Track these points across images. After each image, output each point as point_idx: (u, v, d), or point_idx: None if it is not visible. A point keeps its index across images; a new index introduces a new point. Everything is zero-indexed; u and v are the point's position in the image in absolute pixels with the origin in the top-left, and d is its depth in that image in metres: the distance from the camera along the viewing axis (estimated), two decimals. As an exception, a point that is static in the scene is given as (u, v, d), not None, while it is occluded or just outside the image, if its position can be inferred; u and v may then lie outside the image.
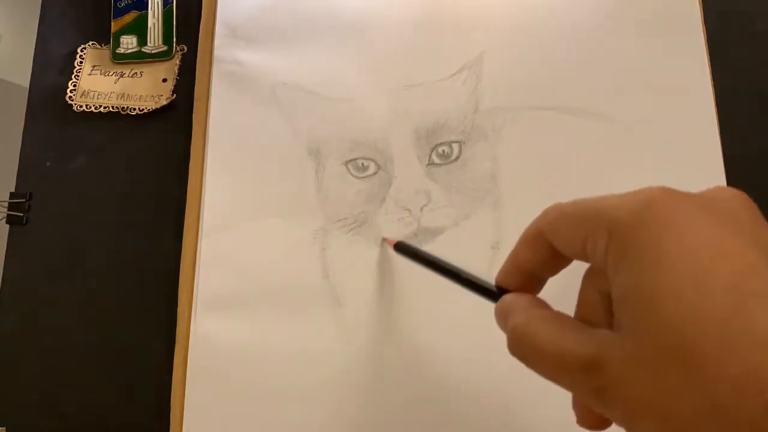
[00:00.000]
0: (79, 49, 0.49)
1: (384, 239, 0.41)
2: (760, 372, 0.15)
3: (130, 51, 0.48)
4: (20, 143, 0.47)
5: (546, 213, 0.24)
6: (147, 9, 0.48)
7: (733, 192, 0.20)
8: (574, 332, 0.21)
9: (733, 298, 0.16)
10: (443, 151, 0.42)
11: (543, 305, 0.24)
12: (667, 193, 0.19)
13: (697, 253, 0.17)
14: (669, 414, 0.17)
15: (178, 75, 0.47)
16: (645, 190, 0.20)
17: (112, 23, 0.49)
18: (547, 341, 0.21)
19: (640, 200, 0.19)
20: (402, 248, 0.38)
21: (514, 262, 0.26)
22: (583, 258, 0.22)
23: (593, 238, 0.21)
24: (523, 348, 0.22)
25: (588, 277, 0.24)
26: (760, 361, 0.15)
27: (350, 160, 0.43)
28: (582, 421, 0.24)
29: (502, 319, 0.24)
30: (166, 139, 0.46)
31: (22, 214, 0.45)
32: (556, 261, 0.25)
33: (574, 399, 0.24)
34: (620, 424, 0.19)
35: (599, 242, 0.20)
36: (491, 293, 0.27)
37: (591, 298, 0.24)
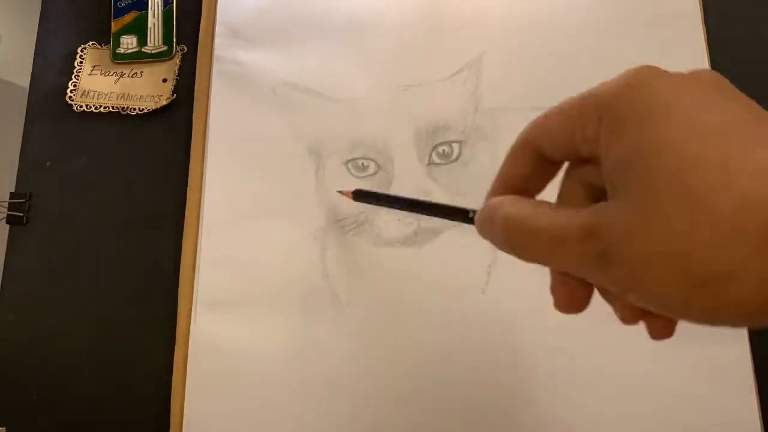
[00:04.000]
0: (79, 49, 0.49)
1: (339, 191, 0.40)
2: (760, 200, 0.17)
3: (130, 51, 0.48)
4: (20, 143, 0.47)
5: (531, 122, 0.25)
6: (147, 9, 0.48)
7: (711, 71, 0.21)
8: (567, 211, 0.21)
9: (728, 141, 0.18)
10: (443, 150, 0.42)
11: (529, 199, 0.24)
12: (649, 67, 0.20)
13: (687, 110, 0.18)
14: (675, 256, 0.18)
15: (178, 75, 0.47)
16: (627, 70, 0.20)
17: (112, 23, 0.49)
18: (543, 222, 0.21)
19: (624, 77, 0.20)
20: (361, 195, 0.36)
21: (501, 180, 0.26)
22: (572, 154, 0.23)
23: (581, 127, 0.21)
24: (517, 235, 0.22)
25: (568, 173, 0.25)
26: (760, 190, 0.17)
27: (350, 160, 0.43)
28: (561, 302, 0.24)
29: (489, 220, 0.24)
30: (166, 139, 0.46)
31: (22, 214, 0.45)
32: (544, 171, 0.25)
33: (553, 283, 0.24)
34: (622, 286, 0.20)
35: (588, 128, 0.21)
36: (466, 214, 0.26)
37: (572, 190, 0.24)
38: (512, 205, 0.23)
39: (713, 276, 0.17)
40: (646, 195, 0.18)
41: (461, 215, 0.26)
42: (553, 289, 0.24)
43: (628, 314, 0.23)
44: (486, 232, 0.24)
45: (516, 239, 0.22)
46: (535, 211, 0.22)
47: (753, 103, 0.19)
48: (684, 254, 0.18)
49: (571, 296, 0.24)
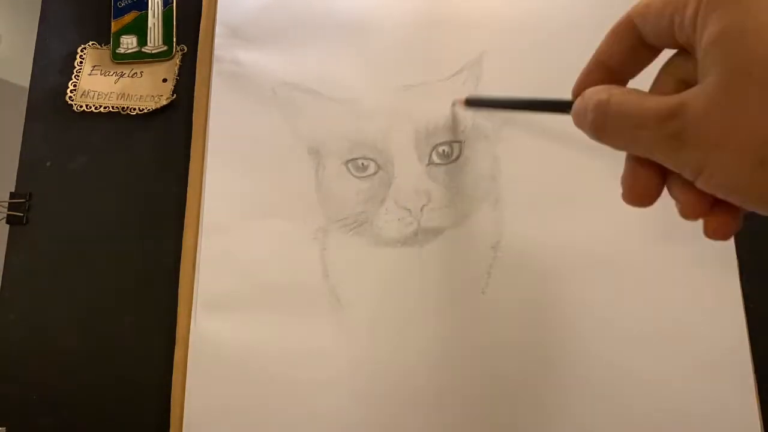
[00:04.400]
0: (79, 49, 0.49)
1: (455, 100, 0.42)
2: None
3: (130, 51, 0.48)
4: (20, 143, 0.47)
5: (635, 4, 0.25)
6: (147, 9, 0.48)
7: None
8: (655, 97, 0.22)
9: None
10: (443, 150, 0.42)
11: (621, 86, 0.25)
12: None
13: None
14: (750, 136, 0.19)
15: (178, 75, 0.47)
16: None
17: (112, 23, 0.49)
18: (631, 104, 0.22)
19: None
20: (472, 102, 0.40)
21: (597, 59, 0.27)
22: (669, 39, 0.23)
23: (682, 10, 0.22)
24: (607, 117, 0.23)
25: (666, 67, 0.25)
26: None
27: (350, 160, 0.43)
28: (629, 192, 0.25)
29: (582, 108, 0.25)
30: (166, 139, 0.46)
31: (22, 214, 0.45)
32: (639, 55, 0.26)
33: (624, 173, 0.25)
34: (692, 167, 0.21)
35: (688, 11, 0.21)
36: (564, 105, 0.28)
37: (665, 84, 0.25)
38: (604, 92, 0.24)
39: None
40: (731, 76, 0.19)
41: (564, 107, 0.27)
42: (624, 179, 0.25)
43: (691, 207, 0.23)
44: (579, 120, 0.25)
45: (604, 123, 0.23)
46: (627, 96, 0.23)
47: None
48: (760, 133, 0.19)
49: (640, 187, 0.24)
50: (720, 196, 0.21)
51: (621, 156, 0.25)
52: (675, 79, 0.24)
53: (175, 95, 0.46)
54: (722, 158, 0.20)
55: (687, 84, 0.23)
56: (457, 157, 0.42)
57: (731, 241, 0.40)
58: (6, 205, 0.45)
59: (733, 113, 0.19)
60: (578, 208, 0.41)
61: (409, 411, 0.39)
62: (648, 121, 0.21)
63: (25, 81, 0.48)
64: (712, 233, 0.24)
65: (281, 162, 0.44)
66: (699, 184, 0.21)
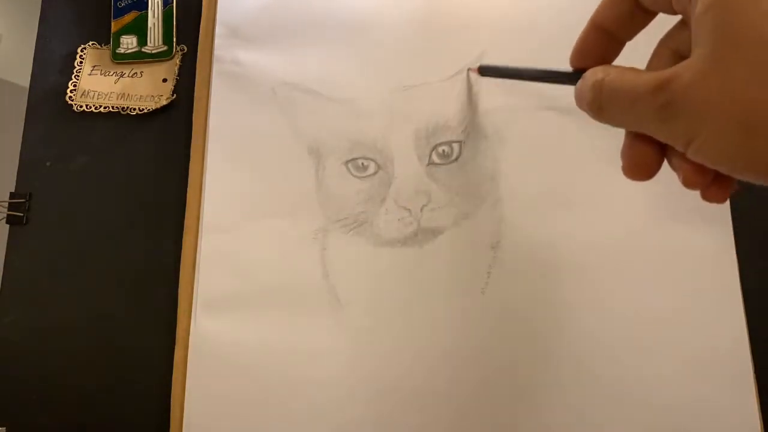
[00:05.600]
0: (79, 49, 0.49)
1: (469, 69, 0.42)
2: None
3: (130, 51, 0.48)
4: (20, 143, 0.47)
5: None
6: (147, 9, 0.48)
7: None
8: (650, 72, 0.22)
9: None
10: (443, 150, 0.42)
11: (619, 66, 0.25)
12: None
13: None
14: (737, 102, 0.19)
15: (178, 75, 0.47)
16: None
17: (112, 23, 0.49)
18: (626, 80, 0.23)
19: None
20: (486, 70, 0.40)
21: (594, 21, 0.27)
22: (665, 6, 0.24)
23: None
24: (602, 94, 0.24)
25: (664, 40, 0.26)
26: None
27: (350, 160, 0.43)
28: (629, 166, 0.25)
29: (581, 90, 0.25)
30: (166, 139, 0.46)
31: (22, 214, 0.45)
32: (635, 18, 0.26)
33: (624, 146, 0.25)
34: (683, 139, 0.21)
35: None
36: (570, 76, 0.28)
37: (661, 57, 0.26)
38: (601, 71, 0.24)
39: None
40: (719, 46, 0.19)
41: (573, 79, 0.28)
42: (623, 154, 0.25)
43: (692, 177, 0.24)
44: (580, 101, 0.26)
45: (600, 99, 0.24)
46: (622, 74, 0.23)
47: None
48: (746, 100, 0.19)
49: (638, 160, 0.25)
50: (710, 165, 0.21)
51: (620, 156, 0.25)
52: (671, 51, 0.25)
53: (175, 95, 0.46)
54: (710, 127, 0.20)
55: (683, 56, 0.24)
56: (457, 157, 0.42)
57: (731, 240, 0.40)
58: (6, 205, 0.45)
59: (720, 83, 0.19)
60: (578, 208, 0.41)
61: (409, 410, 0.39)
62: (641, 95, 0.22)
63: (25, 81, 0.48)
64: (711, 197, 0.24)
65: (281, 162, 0.43)
66: (690, 155, 0.21)
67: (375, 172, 0.42)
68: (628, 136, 0.25)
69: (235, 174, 0.44)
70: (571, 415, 0.39)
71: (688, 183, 0.24)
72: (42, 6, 0.50)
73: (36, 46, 0.49)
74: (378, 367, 0.40)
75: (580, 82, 0.26)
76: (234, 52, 0.46)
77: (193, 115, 0.45)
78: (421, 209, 0.42)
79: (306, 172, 0.43)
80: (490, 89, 0.44)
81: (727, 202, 0.40)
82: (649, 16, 0.26)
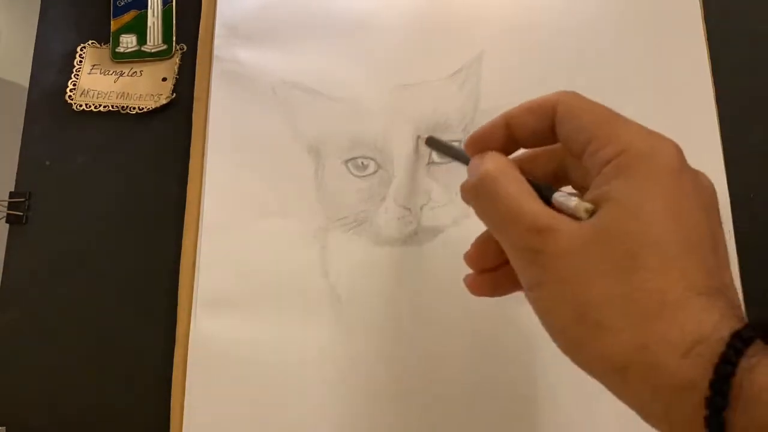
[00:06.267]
0: (78, 48, 0.48)
1: (418, 137, 0.42)
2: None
3: (129, 50, 0.48)
4: (20, 143, 0.47)
5: (567, 95, 0.25)
6: (147, 8, 0.48)
7: (713, 187, 0.24)
8: (537, 204, 0.23)
9: (681, 259, 0.20)
10: (443, 150, 0.42)
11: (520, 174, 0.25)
12: (681, 154, 0.22)
13: (678, 215, 0.20)
14: (574, 297, 0.20)
15: (178, 74, 0.47)
16: (666, 140, 0.22)
17: (112, 22, 0.48)
18: (513, 198, 0.23)
19: (660, 145, 0.22)
20: (430, 142, 0.41)
21: (506, 119, 0.27)
22: (575, 151, 0.24)
23: (602, 145, 0.22)
24: (486, 191, 0.24)
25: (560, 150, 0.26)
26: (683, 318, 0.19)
27: (350, 159, 0.43)
28: (474, 285, 0.27)
29: (476, 165, 0.25)
30: (166, 139, 0.46)
31: (21, 214, 0.45)
32: (545, 138, 0.26)
33: (470, 251, 0.27)
34: (529, 282, 0.22)
35: (606, 150, 0.22)
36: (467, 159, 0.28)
37: (553, 154, 0.27)
38: (498, 166, 0.24)
39: (600, 328, 0.20)
40: (608, 234, 0.20)
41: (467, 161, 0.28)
42: (466, 279, 0.28)
43: (486, 282, 0.27)
44: (468, 174, 0.26)
45: (482, 195, 0.24)
46: (514, 183, 0.24)
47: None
48: (583, 299, 0.20)
49: (480, 282, 0.27)
50: (535, 312, 0.22)
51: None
52: (559, 160, 0.26)
53: (174, 94, 0.46)
54: (555, 295, 0.21)
55: (564, 172, 0.26)
56: (457, 157, 0.42)
57: (731, 241, 0.40)
58: (6, 204, 0.45)
59: (589, 264, 0.20)
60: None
61: (409, 410, 0.39)
62: (519, 225, 0.22)
63: (24, 80, 0.48)
64: (478, 290, 0.28)
65: (281, 161, 0.43)
66: (527, 296, 0.23)
67: (375, 171, 0.42)
68: (476, 245, 0.27)
69: (234, 173, 0.44)
70: (572, 414, 0.39)
71: (474, 285, 0.27)
72: (41, 5, 0.50)
73: (35, 45, 0.49)
74: (378, 366, 0.40)
75: (476, 157, 0.26)
76: (234, 51, 0.46)
77: (193, 114, 0.45)
78: (421, 208, 0.42)
79: (306, 171, 0.43)
80: (491, 89, 0.44)
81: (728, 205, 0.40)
82: (554, 142, 0.26)
